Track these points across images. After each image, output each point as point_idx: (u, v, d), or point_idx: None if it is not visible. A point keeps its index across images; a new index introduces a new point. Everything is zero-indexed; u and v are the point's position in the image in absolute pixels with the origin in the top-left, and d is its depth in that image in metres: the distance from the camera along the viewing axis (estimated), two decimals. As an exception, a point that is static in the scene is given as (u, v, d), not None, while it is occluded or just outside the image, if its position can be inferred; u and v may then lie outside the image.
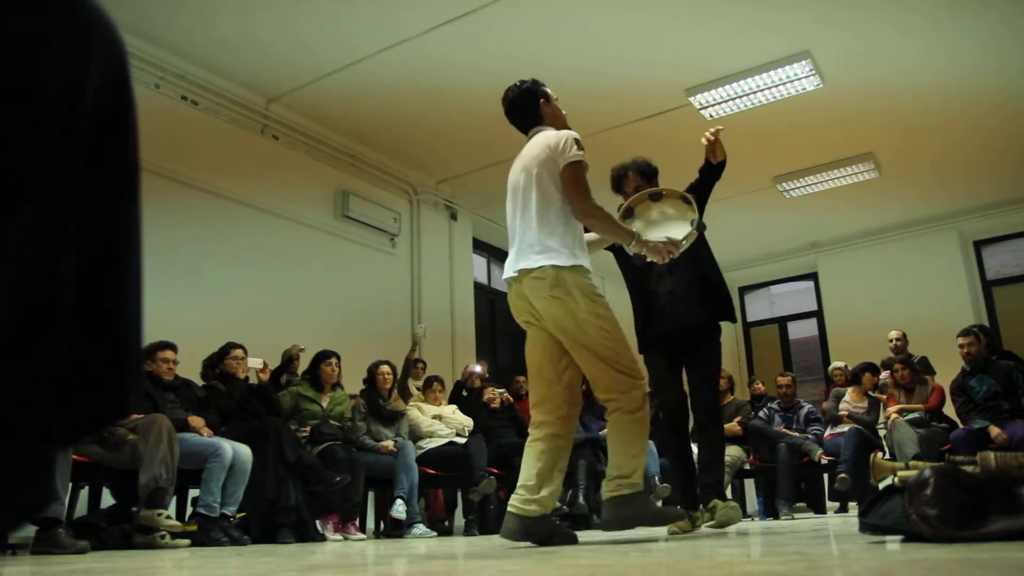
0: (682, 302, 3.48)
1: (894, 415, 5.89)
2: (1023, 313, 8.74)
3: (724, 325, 3.59)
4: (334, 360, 5.06)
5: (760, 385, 7.64)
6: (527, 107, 2.99)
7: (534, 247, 2.72)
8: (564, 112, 3.05)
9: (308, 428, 4.79)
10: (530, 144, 2.93)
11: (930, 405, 5.92)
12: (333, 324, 6.14)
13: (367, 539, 4.63)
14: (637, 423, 2.72)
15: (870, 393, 6.39)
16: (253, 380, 4.84)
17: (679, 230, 3.05)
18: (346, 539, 4.46)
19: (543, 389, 2.82)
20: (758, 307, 10.94)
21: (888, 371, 6.35)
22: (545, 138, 2.86)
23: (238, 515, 4.06)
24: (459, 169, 7.47)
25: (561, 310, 2.67)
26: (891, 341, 6.58)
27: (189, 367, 4.57)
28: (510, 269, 2.81)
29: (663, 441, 4.25)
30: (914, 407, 5.94)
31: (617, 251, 3.60)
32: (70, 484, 3.68)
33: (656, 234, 3.03)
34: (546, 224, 2.73)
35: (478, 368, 6.36)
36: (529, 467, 2.75)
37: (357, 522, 4.74)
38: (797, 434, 6.42)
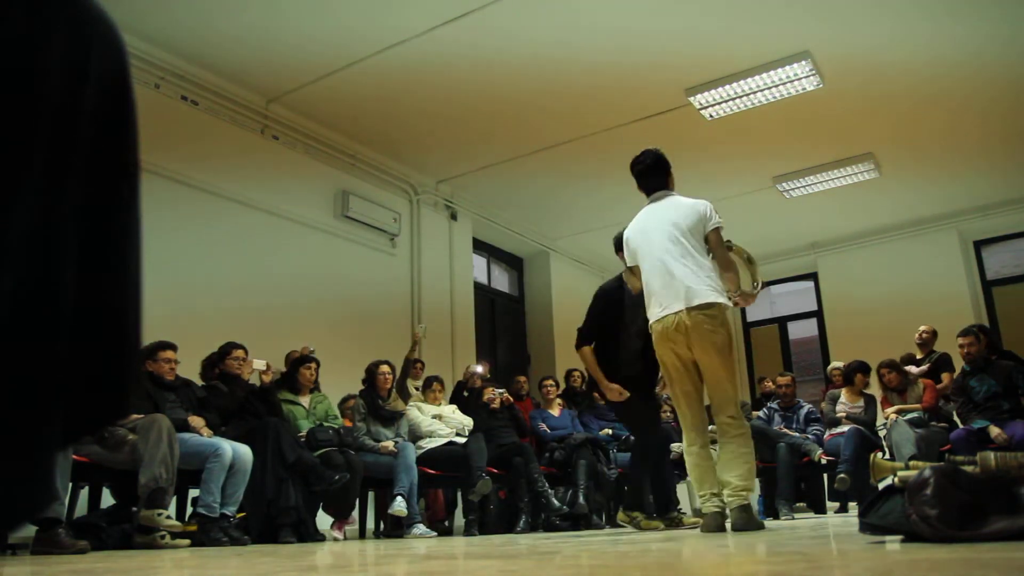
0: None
1: (893, 415, 5.89)
2: (1023, 313, 8.74)
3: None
4: (313, 365, 5.10)
5: (770, 383, 7.63)
6: (661, 173, 3.69)
7: (701, 289, 3.38)
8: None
9: (304, 434, 4.70)
10: (665, 204, 3.62)
11: (926, 404, 5.92)
12: (333, 324, 6.14)
13: (367, 539, 4.63)
14: (751, 453, 3.43)
15: (864, 391, 6.38)
16: (255, 381, 4.83)
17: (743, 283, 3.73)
18: (341, 538, 4.46)
19: (698, 410, 3.54)
20: (758, 307, 10.93)
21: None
22: (691, 204, 3.57)
23: (238, 515, 4.06)
24: (459, 169, 7.47)
25: (723, 340, 3.39)
26: (918, 335, 6.62)
27: (189, 367, 4.56)
28: (674, 306, 3.40)
29: (643, 460, 4.60)
30: (912, 407, 5.94)
31: (610, 291, 4.42)
32: (70, 484, 3.67)
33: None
34: (703, 271, 3.42)
35: (479, 368, 6.35)
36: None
37: (350, 518, 4.71)
38: (797, 434, 6.41)
